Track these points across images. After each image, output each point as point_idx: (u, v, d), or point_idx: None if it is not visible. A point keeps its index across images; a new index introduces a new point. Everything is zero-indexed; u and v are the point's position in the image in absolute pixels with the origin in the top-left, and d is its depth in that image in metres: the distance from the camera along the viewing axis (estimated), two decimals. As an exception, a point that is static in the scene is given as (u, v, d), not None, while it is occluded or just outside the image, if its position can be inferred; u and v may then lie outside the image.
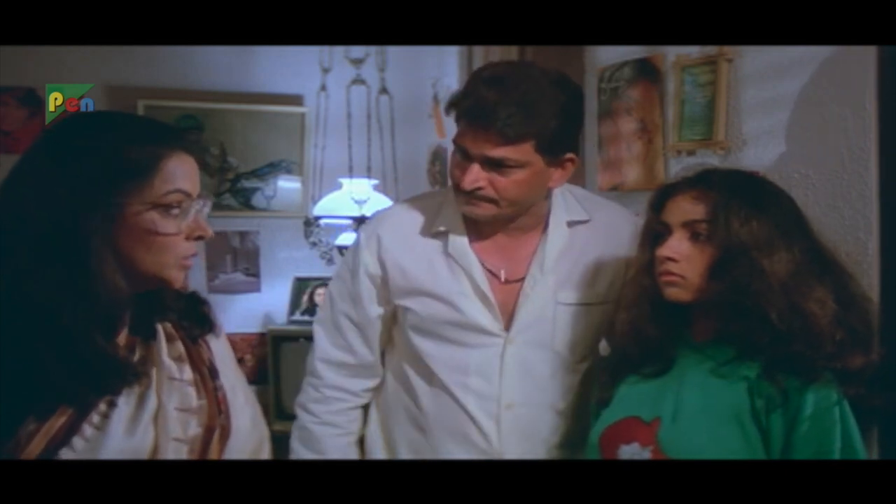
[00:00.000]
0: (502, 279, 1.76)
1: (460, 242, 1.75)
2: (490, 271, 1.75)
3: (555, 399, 1.76)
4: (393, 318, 1.82)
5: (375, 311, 1.80)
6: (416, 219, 1.80)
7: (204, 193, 1.27)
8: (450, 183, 1.75)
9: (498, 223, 1.74)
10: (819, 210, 1.76)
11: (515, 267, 1.76)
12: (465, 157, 1.66)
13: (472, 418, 1.73)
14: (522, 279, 1.76)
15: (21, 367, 1.14)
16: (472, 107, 1.63)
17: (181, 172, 1.23)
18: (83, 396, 1.18)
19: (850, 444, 1.40)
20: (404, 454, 1.80)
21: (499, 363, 1.73)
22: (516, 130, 1.60)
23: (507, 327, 1.74)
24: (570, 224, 1.79)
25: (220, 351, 1.39)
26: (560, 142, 1.66)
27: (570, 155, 1.70)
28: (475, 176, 1.64)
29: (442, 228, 1.77)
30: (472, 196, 1.66)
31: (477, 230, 1.76)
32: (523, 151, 1.62)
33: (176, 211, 1.23)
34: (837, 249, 1.56)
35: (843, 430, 1.41)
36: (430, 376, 1.77)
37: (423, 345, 1.77)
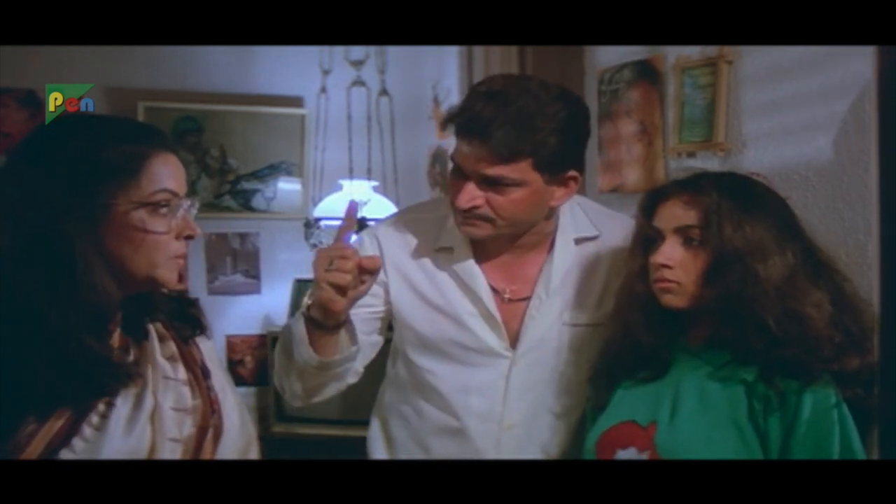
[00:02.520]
0: (506, 298, 1.72)
1: (467, 261, 1.71)
2: (494, 289, 1.71)
3: (557, 419, 1.72)
4: (382, 323, 1.77)
5: (370, 304, 1.72)
6: (418, 231, 1.76)
7: (192, 195, 1.29)
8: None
9: (501, 241, 1.70)
10: (819, 212, 1.76)
11: (520, 286, 1.72)
12: (461, 174, 1.61)
13: (471, 441, 1.69)
14: (527, 298, 1.71)
15: (17, 370, 1.14)
16: (466, 123, 1.57)
17: (166, 172, 1.25)
18: (80, 398, 1.18)
19: (848, 445, 1.39)
20: (403, 455, 1.77)
21: (503, 384, 1.70)
22: (511, 149, 1.54)
23: (511, 346, 1.71)
24: (578, 241, 1.74)
25: (209, 352, 1.39)
26: (561, 159, 1.60)
27: (572, 172, 1.63)
28: (471, 195, 1.59)
29: (447, 245, 1.73)
30: (469, 215, 1.61)
31: (481, 247, 1.71)
32: (520, 170, 1.56)
33: (164, 210, 1.24)
34: (830, 250, 1.55)
35: (841, 431, 1.40)
36: (430, 394, 1.73)
37: (426, 363, 1.73)
